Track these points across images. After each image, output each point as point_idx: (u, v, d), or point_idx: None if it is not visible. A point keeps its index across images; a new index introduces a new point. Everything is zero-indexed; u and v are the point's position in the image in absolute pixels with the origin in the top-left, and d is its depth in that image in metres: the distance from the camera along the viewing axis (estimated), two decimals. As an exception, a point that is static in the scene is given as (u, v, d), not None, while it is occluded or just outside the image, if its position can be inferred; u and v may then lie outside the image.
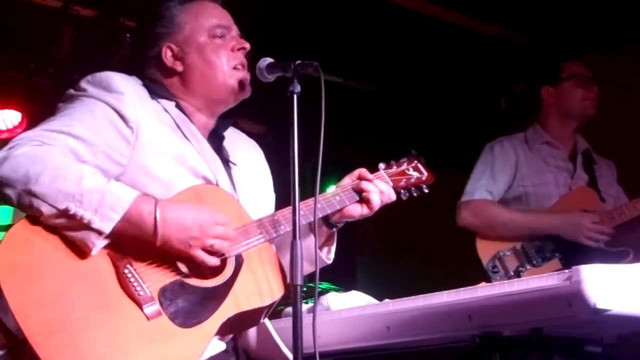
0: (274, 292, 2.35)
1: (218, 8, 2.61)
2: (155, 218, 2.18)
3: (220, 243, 2.26)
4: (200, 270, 2.27)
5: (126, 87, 2.40)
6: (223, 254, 2.28)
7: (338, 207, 2.52)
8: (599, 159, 4.18)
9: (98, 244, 2.17)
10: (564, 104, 4.12)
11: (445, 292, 2.46)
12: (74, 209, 2.14)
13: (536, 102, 4.20)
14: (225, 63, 2.52)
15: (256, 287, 2.33)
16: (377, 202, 2.54)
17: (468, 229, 4.04)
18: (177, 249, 2.22)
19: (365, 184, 2.54)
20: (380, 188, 2.56)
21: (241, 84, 2.53)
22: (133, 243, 2.21)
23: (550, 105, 4.15)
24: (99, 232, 2.16)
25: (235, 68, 2.53)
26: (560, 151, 4.13)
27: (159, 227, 2.19)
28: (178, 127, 2.45)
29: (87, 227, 2.15)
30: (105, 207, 2.16)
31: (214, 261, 2.26)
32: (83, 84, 2.41)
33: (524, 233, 3.90)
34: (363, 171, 2.59)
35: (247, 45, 2.55)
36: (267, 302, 2.33)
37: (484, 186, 4.03)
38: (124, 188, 2.22)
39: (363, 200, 2.54)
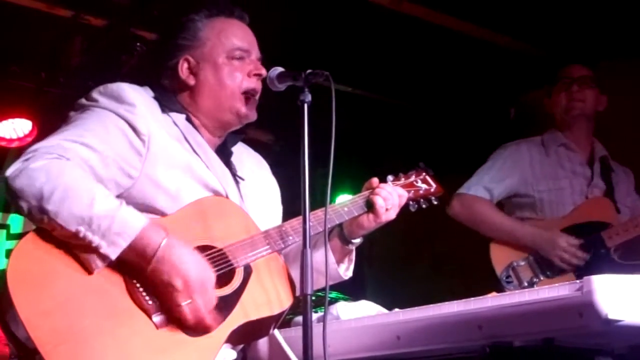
0: (283, 301, 2.36)
1: (243, 28, 2.60)
2: (157, 250, 2.18)
3: (187, 312, 2.20)
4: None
5: (138, 99, 2.40)
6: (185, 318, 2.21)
7: (346, 218, 2.53)
8: (616, 166, 4.14)
9: (100, 266, 2.19)
10: (554, 112, 4.13)
11: (455, 301, 2.45)
12: (83, 232, 2.16)
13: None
14: (237, 86, 2.52)
15: (265, 297, 2.34)
16: (381, 205, 2.54)
17: (454, 219, 4.05)
18: (158, 285, 2.20)
19: (375, 191, 2.55)
20: (387, 191, 2.56)
21: (248, 109, 2.54)
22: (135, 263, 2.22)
23: (553, 115, 4.15)
24: (104, 257, 2.17)
25: (246, 92, 2.53)
26: (577, 154, 4.08)
27: (155, 258, 2.18)
28: (186, 140, 2.46)
29: (94, 250, 2.17)
30: (113, 234, 2.16)
31: (177, 316, 2.20)
32: (95, 94, 2.42)
33: (505, 239, 3.90)
34: (372, 181, 2.60)
35: (264, 72, 2.54)
36: (276, 312, 2.34)
37: (484, 183, 4.01)
38: (133, 215, 2.22)
39: (371, 209, 2.55)
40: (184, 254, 2.22)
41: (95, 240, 2.16)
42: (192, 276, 2.20)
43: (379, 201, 2.54)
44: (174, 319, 2.21)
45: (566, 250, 3.78)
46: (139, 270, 2.21)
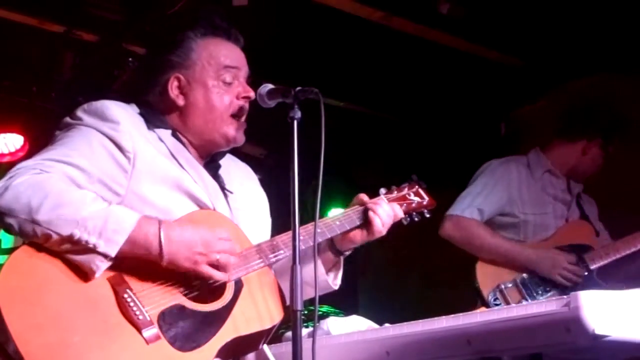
0: (274, 316, 2.36)
1: (235, 50, 2.60)
2: (160, 238, 2.21)
3: (226, 257, 2.27)
4: (204, 290, 2.28)
5: (122, 116, 2.41)
6: (228, 270, 2.28)
7: (338, 232, 2.54)
8: (583, 195, 4.30)
9: (102, 267, 2.19)
10: (586, 163, 4.19)
11: (444, 317, 2.46)
12: (78, 234, 2.16)
13: (573, 134, 4.21)
14: (226, 109, 2.53)
15: (256, 312, 2.34)
16: (378, 223, 2.54)
17: (446, 239, 4.10)
18: (183, 266, 2.24)
19: (369, 207, 2.55)
20: (384, 209, 2.56)
21: (236, 133, 2.55)
22: (136, 265, 2.22)
23: (582, 152, 4.18)
24: (105, 256, 2.18)
25: (234, 116, 2.55)
26: (560, 180, 4.20)
27: (164, 246, 2.21)
28: (174, 156, 2.46)
29: (93, 251, 2.17)
30: (109, 231, 2.17)
31: (220, 276, 2.27)
32: (79, 112, 2.43)
33: (501, 261, 3.96)
34: (362, 196, 2.61)
35: (252, 95, 2.55)
36: (267, 326, 2.34)
37: (477, 204, 4.07)
38: (126, 211, 2.24)
39: (365, 224, 2.55)
40: (183, 228, 2.26)
41: (92, 240, 2.16)
42: (204, 233, 2.25)
43: (376, 220, 2.54)
44: (205, 288, 2.25)
45: (567, 268, 3.88)
46: (148, 265, 2.21)
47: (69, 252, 2.19)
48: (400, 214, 2.63)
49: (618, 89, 4.60)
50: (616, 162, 4.30)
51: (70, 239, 2.16)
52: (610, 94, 4.52)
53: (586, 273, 3.92)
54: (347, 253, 2.63)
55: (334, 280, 2.64)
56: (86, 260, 2.18)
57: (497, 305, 3.85)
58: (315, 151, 2.26)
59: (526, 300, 3.86)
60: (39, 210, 2.16)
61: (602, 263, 3.93)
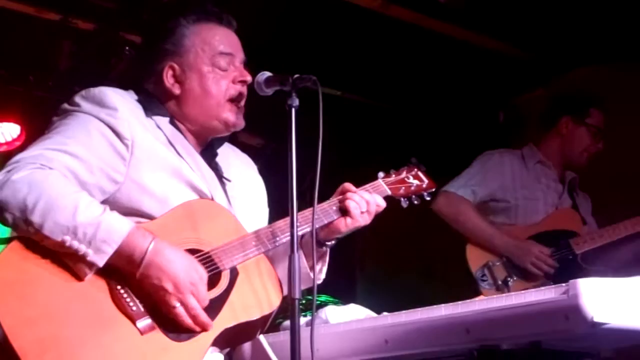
0: (272, 302, 2.34)
1: (228, 34, 2.58)
2: (144, 255, 2.18)
3: (182, 313, 2.21)
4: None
5: (120, 103, 2.39)
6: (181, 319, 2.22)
7: (325, 222, 2.48)
8: (578, 191, 4.44)
9: (89, 274, 2.19)
10: (568, 143, 4.34)
11: (443, 305, 2.46)
12: (69, 241, 2.15)
13: (549, 123, 4.39)
14: (223, 94, 2.51)
15: (255, 298, 2.33)
16: (356, 212, 2.47)
17: (436, 214, 4.24)
18: (149, 290, 2.21)
19: (347, 195, 2.50)
20: (365, 198, 2.50)
21: (235, 117, 2.53)
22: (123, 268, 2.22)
23: (559, 135, 4.34)
24: (92, 265, 2.17)
25: (232, 100, 2.52)
26: (552, 171, 4.37)
27: (143, 263, 2.18)
28: (171, 144, 2.45)
29: (81, 259, 2.16)
30: (98, 241, 2.16)
31: (172, 318, 2.21)
32: (77, 99, 2.41)
33: (482, 243, 4.14)
34: (346, 185, 2.55)
35: (249, 78, 2.53)
36: (266, 312, 2.32)
37: (471, 186, 4.25)
38: (118, 220, 2.22)
39: (345, 214, 2.50)
40: (171, 256, 2.22)
41: (82, 248, 2.15)
42: (181, 276, 2.20)
43: (352, 206, 2.47)
44: (169, 322, 2.20)
45: (538, 258, 4.04)
46: (128, 276, 2.21)
47: (61, 253, 2.19)
48: (375, 203, 2.54)
49: (603, 80, 4.66)
50: (613, 153, 4.35)
51: (61, 244, 2.16)
52: (593, 85, 4.59)
53: (570, 257, 4.08)
54: (332, 244, 2.56)
55: (319, 274, 2.58)
56: (75, 266, 2.18)
57: (484, 281, 4.05)
58: (312, 141, 2.24)
59: (511, 278, 4.04)
60: (33, 211, 2.16)
61: (587, 248, 4.09)
